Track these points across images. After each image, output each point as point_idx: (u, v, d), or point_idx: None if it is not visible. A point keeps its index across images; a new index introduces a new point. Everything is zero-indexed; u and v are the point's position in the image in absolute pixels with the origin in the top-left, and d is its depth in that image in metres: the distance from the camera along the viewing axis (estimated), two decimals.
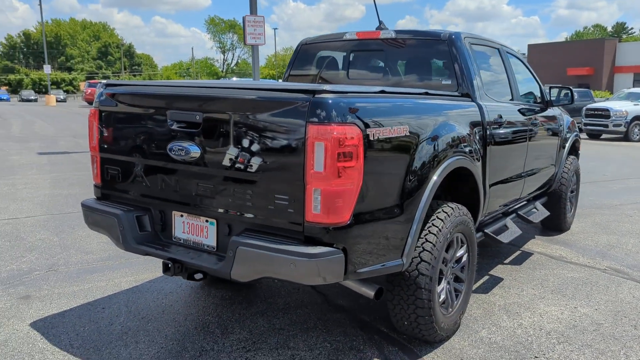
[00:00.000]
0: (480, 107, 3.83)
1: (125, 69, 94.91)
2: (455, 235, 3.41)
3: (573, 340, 3.51)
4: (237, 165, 2.77)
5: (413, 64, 4.18)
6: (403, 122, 2.91)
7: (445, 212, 3.29)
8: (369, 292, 3.06)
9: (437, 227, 3.20)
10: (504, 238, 4.27)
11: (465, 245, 3.58)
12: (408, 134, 2.93)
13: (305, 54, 4.71)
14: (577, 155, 6.48)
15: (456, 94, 3.81)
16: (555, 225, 6.13)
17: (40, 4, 54.60)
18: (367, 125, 2.63)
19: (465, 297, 3.63)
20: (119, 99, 3.26)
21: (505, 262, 5.10)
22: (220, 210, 2.88)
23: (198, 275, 3.17)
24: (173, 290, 4.25)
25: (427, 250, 3.13)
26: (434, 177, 3.10)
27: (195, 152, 2.86)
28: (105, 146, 3.35)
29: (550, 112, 5.47)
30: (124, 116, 3.26)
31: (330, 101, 2.51)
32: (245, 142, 2.73)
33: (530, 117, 4.82)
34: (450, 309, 3.48)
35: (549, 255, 5.32)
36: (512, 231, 4.47)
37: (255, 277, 2.68)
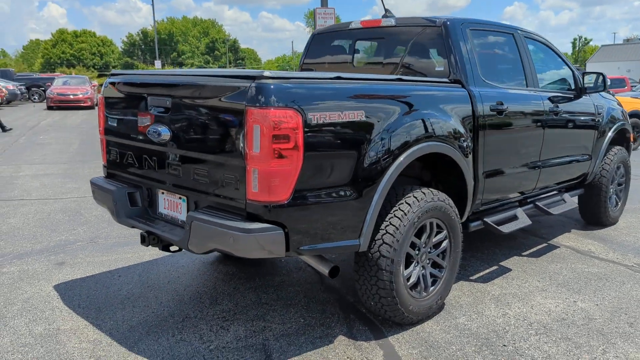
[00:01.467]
0: (470, 93, 3.80)
1: (230, 63, 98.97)
2: (428, 220, 3.44)
3: (553, 333, 3.44)
4: (195, 146, 3.02)
5: (411, 51, 4.20)
6: (358, 107, 3.01)
7: (415, 197, 3.34)
8: (324, 270, 3.21)
9: (403, 211, 3.27)
10: (506, 228, 4.20)
11: (444, 232, 3.60)
12: (364, 118, 3.03)
13: (318, 44, 4.86)
14: (627, 146, 6.10)
15: (445, 80, 3.80)
16: (595, 219, 5.84)
17: (152, 5, 60.07)
18: (309, 110, 2.77)
19: (445, 284, 3.65)
20: (117, 87, 3.62)
21: (523, 253, 4.98)
22: (187, 189, 3.15)
23: (173, 247, 3.47)
24: (186, 265, 4.61)
25: (390, 233, 3.21)
26: (396, 163, 3.16)
27: (165, 134, 3.14)
28: (107, 130, 3.74)
29: (584, 99, 5.22)
30: (119, 102, 3.63)
31: (269, 87, 2.68)
32: (200, 126, 2.98)
33: (552, 104, 4.65)
34: (425, 294, 3.53)
35: (576, 250, 5.11)
36: (520, 221, 4.37)
37: (207, 249, 2.92)
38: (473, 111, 3.80)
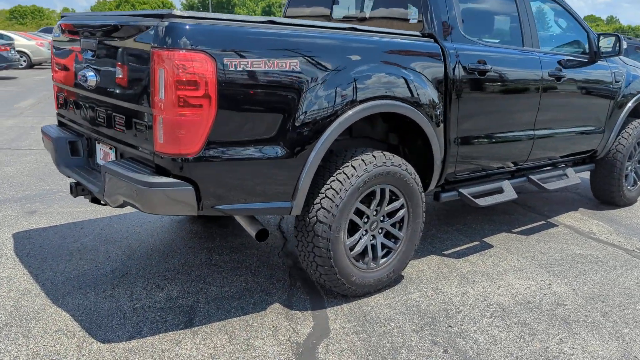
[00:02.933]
0: (444, 50, 3.43)
1: None
2: (378, 186, 3.15)
3: (510, 317, 3.12)
4: (114, 92, 2.83)
5: (389, 3, 3.84)
6: (291, 56, 2.72)
7: (363, 160, 3.05)
8: (251, 232, 2.99)
9: (346, 174, 2.99)
10: (484, 201, 3.85)
11: (401, 200, 3.30)
12: (298, 69, 2.74)
13: None
14: None
15: (414, 33, 3.43)
16: (607, 198, 5.35)
17: None
18: (225, 55, 2.51)
19: (401, 256, 3.37)
20: (63, 31, 3.45)
21: (513, 230, 4.61)
22: (112, 138, 2.98)
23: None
24: (153, 221, 4.49)
25: (329, 198, 2.95)
26: (336, 122, 2.87)
27: (92, 79, 2.96)
28: (56, 75, 3.60)
29: (599, 65, 4.71)
30: (63, 46, 3.46)
31: (177, 27, 2.44)
32: (118, 70, 2.77)
33: (554, 67, 4.19)
34: (374, 265, 3.26)
35: (575, 229, 4.68)
36: (504, 195, 4.00)
37: (119, 203, 2.75)
38: (445, 69, 3.43)
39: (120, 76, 2.76)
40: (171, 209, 2.58)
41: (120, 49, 2.78)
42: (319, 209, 2.96)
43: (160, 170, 2.59)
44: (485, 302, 3.29)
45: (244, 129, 2.63)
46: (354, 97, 2.93)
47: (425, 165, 3.53)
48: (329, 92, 2.84)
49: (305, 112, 2.77)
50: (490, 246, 4.21)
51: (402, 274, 3.57)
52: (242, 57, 2.56)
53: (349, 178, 2.99)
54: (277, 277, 3.50)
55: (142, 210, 2.60)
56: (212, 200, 2.64)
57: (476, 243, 4.26)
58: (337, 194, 2.96)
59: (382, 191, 3.20)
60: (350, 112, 2.92)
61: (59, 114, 3.70)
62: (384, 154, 3.15)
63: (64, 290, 3.22)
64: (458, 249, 4.14)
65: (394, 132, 3.64)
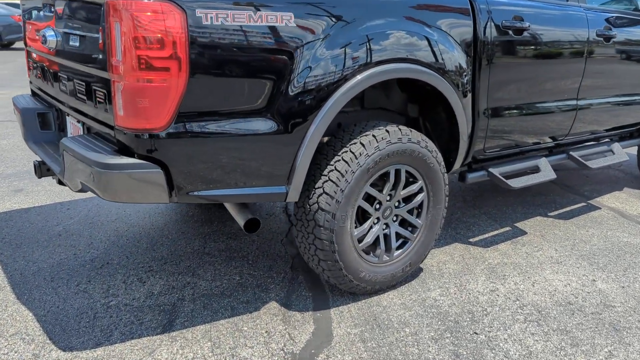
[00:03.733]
0: (472, 4, 2.87)
1: None
2: (392, 167, 2.66)
3: (548, 321, 2.63)
4: (73, 54, 2.37)
5: None
6: (284, 8, 2.21)
7: (374, 137, 2.55)
8: (240, 221, 2.54)
9: (353, 153, 2.50)
10: (517, 182, 3.32)
11: (420, 183, 2.81)
12: (292, 24, 2.24)
13: None
14: None
15: None
16: None
17: None
18: (198, 6, 2.02)
19: (419, 247, 2.90)
20: None
21: (550, 214, 4.07)
22: (77, 110, 2.53)
23: None
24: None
25: (332, 181, 2.48)
26: (342, 89, 2.37)
27: (52, 40, 2.49)
28: (26, 40, 3.16)
29: None
30: (34, 7, 3.00)
31: None
32: (77, 28, 2.31)
33: (604, 27, 3.60)
34: (387, 258, 2.79)
35: (621, 213, 4.12)
36: (541, 175, 3.47)
37: (79, 187, 2.31)
38: (475, 28, 2.88)
39: (78, 34, 2.30)
40: (136, 196, 2.14)
41: (76, 1, 2.31)
42: (320, 195, 2.48)
43: (123, 149, 2.14)
44: (517, 302, 2.80)
45: (224, 97, 2.15)
46: (367, 58, 2.42)
47: (449, 142, 3.02)
48: (333, 52, 2.34)
49: (303, 77, 2.28)
50: (523, 233, 3.69)
51: (421, 266, 3.10)
52: (220, 8, 2.06)
53: (356, 158, 2.50)
54: (277, 269, 3.06)
55: (103, 198, 2.16)
56: (187, 185, 2.19)
57: (507, 229, 3.75)
58: (343, 176, 2.48)
59: (397, 172, 2.71)
60: (359, 77, 2.41)
61: (30, 82, 3.27)
62: (400, 129, 2.64)
63: (32, 284, 2.83)
64: (486, 235, 3.63)
65: (413, 102, 3.12)
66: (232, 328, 2.50)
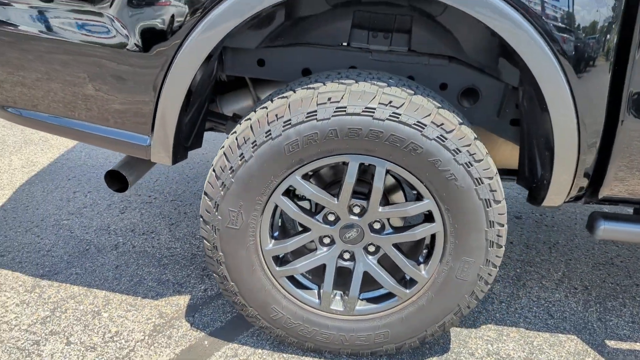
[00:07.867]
0: None
1: None
2: (355, 159, 1.47)
3: None
4: None
5: None
6: None
7: (305, 98, 1.42)
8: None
9: (266, 116, 1.44)
10: None
11: (427, 203, 1.51)
12: None
13: None
14: None
15: None
16: None
17: None
18: None
19: (417, 315, 1.64)
20: None
21: None
22: None
23: None
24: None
25: (224, 154, 1.50)
26: None
27: None
28: None
29: None
30: None
31: None
32: None
33: None
34: (339, 308, 1.66)
35: None
36: None
37: None
38: None
39: None
40: None
41: None
42: (212, 170, 1.52)
43: None
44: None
45: None
46: None
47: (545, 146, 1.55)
48: None
49: None
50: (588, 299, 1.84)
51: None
52: None
53: (267, 124, 1.42)
54: (194, 276, 2.12)
55: None
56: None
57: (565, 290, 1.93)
58: (239, 148, 1.45)
59: (365, 170, 1.49)
60: None
61: None
62: (377, 84, 1.41)
63: None
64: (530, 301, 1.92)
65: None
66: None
